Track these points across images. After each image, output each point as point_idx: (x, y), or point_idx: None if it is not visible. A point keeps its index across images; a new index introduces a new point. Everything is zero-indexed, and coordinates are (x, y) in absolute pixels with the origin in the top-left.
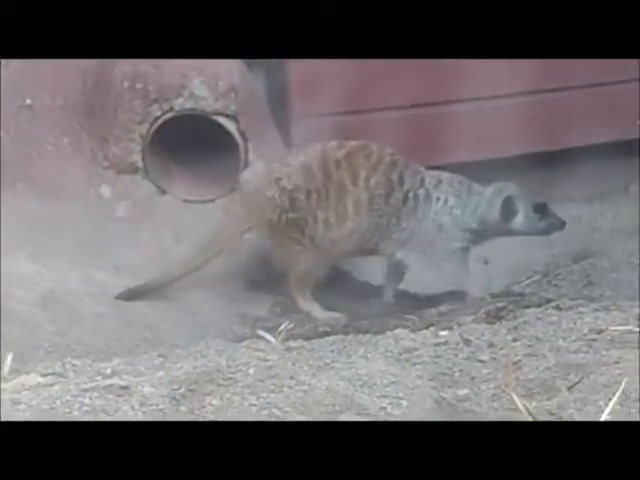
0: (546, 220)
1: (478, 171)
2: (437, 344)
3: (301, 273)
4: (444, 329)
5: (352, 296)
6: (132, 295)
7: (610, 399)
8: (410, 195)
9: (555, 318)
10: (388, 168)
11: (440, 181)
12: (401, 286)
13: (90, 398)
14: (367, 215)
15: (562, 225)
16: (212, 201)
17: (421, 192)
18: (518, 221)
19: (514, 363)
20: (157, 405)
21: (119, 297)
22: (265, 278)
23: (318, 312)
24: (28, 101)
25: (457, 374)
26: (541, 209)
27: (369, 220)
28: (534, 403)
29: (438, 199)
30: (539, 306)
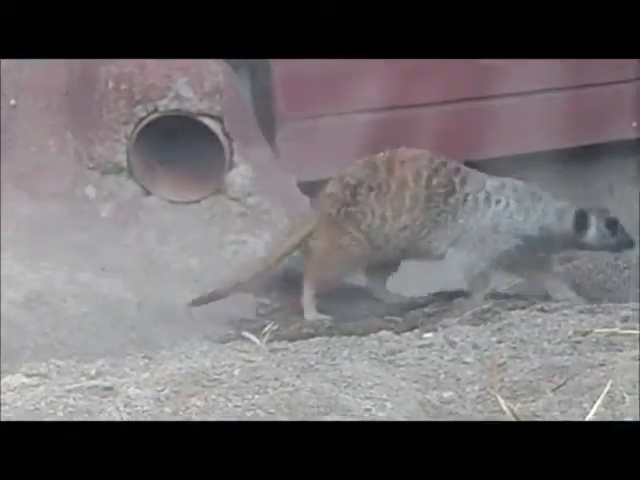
0: (617, 237)
1: None
2: (422, 346)
3: (336, 270)
4: (429, 331)
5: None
6: (204, 300)
7: (594, 401)
8: (470, 197)
9: (540, 320)
10: (451, 172)
11: (503, 185)
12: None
13: (74, 399)
14: (423, 212)
15: (631, 244)
16: (197, 202)
17: (481, 195)
18: (590, 236)
19: (499, 365)
20: (142, 406)
21: (194, 303)
22: (249, 279)
23: (310, 314)
24: (12, 101)
25: (442, 376)
26: (612, 225)
27: (425, 217)
28: (519, 405)
29: (498, 202)
30: (523, 308)
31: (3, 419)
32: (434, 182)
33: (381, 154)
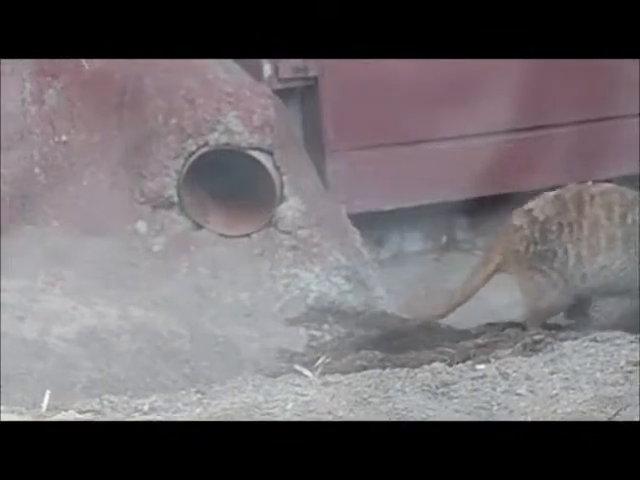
0: None
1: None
2: (474, 378)
3: (545, 306)
4: (481, 362)
5: None
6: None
7: None
8: None
9: (592, 350)
10: None
11: None
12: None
13: None
14: (621, 252)
15: None
16: (248, 236)
17: None
18: None
19: (551, 396)
20: None
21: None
22: (302, 313)
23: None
24: (64, 137)
25: (495, 408)
26: None
27: (624, 257)
28: None
29: None
30: (576, 339)
31: None
32: (629, 220)
33: (567, 187)
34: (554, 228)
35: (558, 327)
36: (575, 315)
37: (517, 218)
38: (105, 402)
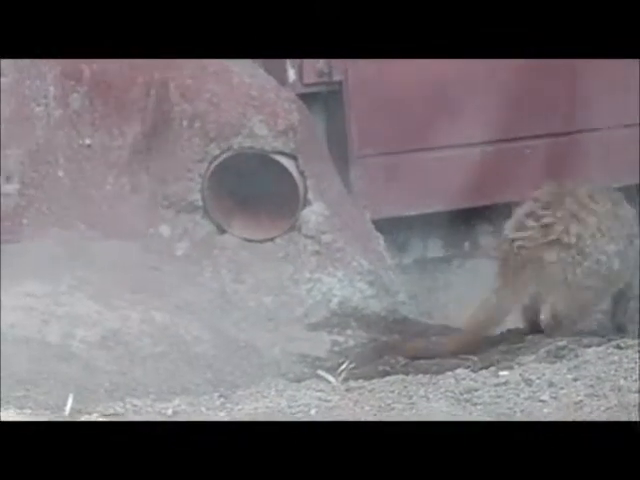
0: None
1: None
2: (498, 384)
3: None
4: (504, 369)
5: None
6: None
7: None
8: None
9: (616, 357)
10: None
11: None
12: (459, 326)
13: None
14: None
15: None
16: (271, 240)
17: None
18: None
19: (575, 403)
20: None
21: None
22: (324, 318)
23: None
24: (87, 141)
25: (518, 414)
26: None
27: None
28: None
29: None
30: (599, 345)
31: None
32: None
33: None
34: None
35: (582, 333)
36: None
37: (549, 255)
38: (128, 406)
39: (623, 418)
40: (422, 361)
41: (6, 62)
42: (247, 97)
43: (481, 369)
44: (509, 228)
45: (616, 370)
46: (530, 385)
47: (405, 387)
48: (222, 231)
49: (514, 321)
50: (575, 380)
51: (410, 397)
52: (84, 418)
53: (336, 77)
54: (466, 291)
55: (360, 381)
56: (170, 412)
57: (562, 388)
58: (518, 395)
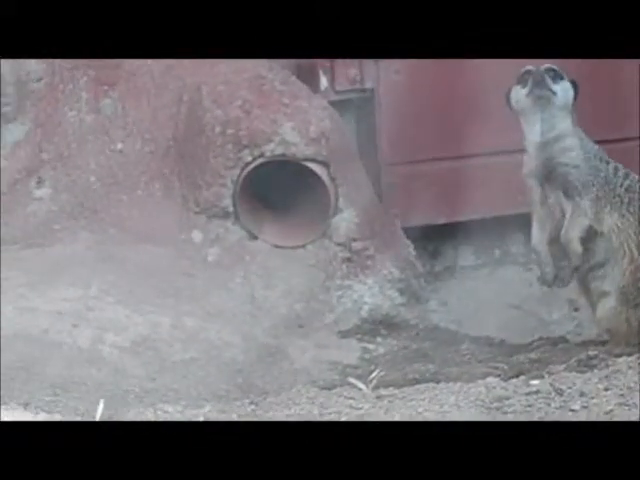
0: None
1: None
2: (528, 393)
3: None
4: (535, 378)
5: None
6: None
7: None
8: None
9: None
10: None
11: None
12: (489, 334)
13: None
14: None
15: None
16: (302, 247)
17: None
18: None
19: (606, 413)
20: None
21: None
22: (355, 325)
23: None
24: (119, 146)
25: None
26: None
27: None
28: None
29: None
30: (630, 355)
31: None
32: None
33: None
34: None
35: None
36: None
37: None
38: (159, 412)
39: None
40: (453, 369)
41: (40, 66)
42: (279, 104)
43: (511, 378)
44: None
45: None
46: (561, 394)
47: (436, 395)
48: (253, 237)
49: (544, 330)
50: (606, 390)
51: (441, 405)
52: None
53: (368, 84)
54: (497, 299)
55: (391, 389)
56: (201, 418)
57: (593, 397)
58: (549, 404)
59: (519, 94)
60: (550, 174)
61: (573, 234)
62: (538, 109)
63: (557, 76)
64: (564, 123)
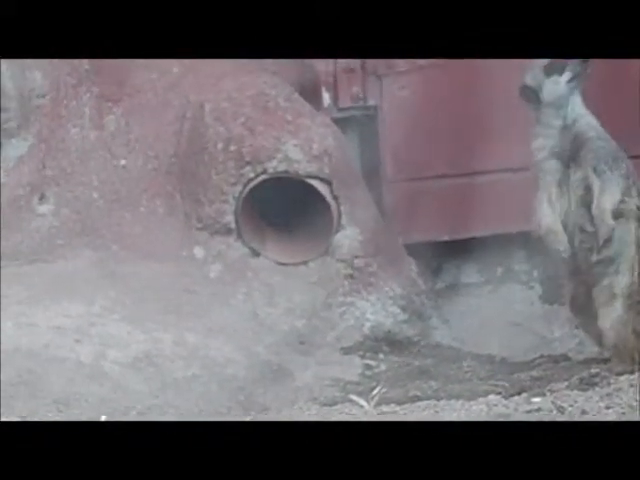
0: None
1: None
2: (530, 411)
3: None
4: (536, 395)
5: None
6: None
7: None
8: None
9: None
10: None
11: None
12: (491, 351)
13: None
14: None
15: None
16: (305, 264)
17: None
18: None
19: None
20: None
21: None
22: (357, 342)
23: None
24: (122, 162)
25: None
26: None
27: None
28: None
29: None
30: (632, 373)
31: None
32: None
33: None
34: None
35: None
36: None
37: None
38: None
39: None
40: (454, 386)
41: (44, 82)
42: (282, 121)
43: (513, 395)
44: None
45: None
46: (562, 412)
47: (437, 412)
48: (255, 254)
49: (545, 347)
50: (607, 408)
51: None
52: None
53: (371, 102)
54: (499, 317)
55: (392, 405)
56: None
57: (594, 416)
58: None
59: (557, 83)
60: (579, 151)
61: (606, 205)
62: (572, 93)
63: None
64: (580, 101)
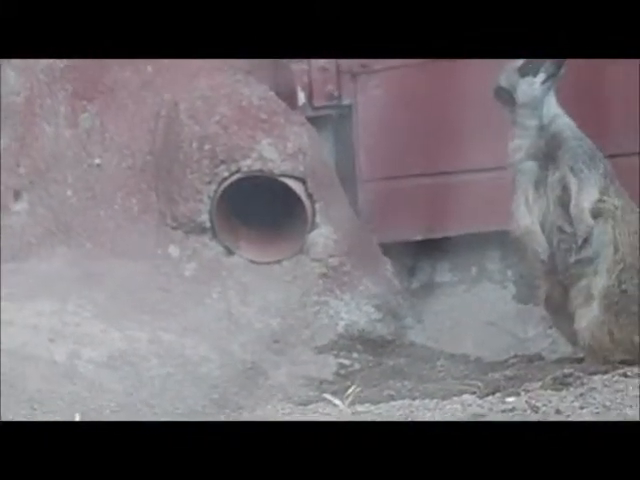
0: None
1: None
2: (504, 410)
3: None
4: (511, 395)
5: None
6: None
7: None
8: None
9: (622, 385)
10: None
11: None
12: (465, 351)
13: None
14: None
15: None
16: (279, 262)
17: None
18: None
19: None
20: None
21: None
22: (331, 341)
23: None
24: (97, 160)
25: None
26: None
27: None
28: None
29: None
30: (606, 373)
31: None
32: None
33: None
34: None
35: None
36: None
37: None
38: None
39: None
40: (429, 386)
41: (18, 80)
42: (257, 120)
43: (487, 395)
44: None
45: (622, 398)
46: (537, 412)
47: (412, 412)
48: (230, 253)
49: (519, 347)
50: (582, 408)
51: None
52: None
53: (345, 101)
54: (473, 316)
55: (367, 405)
56: None
57: (569, 416)
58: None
59: (532, 84)
60: (556, 151)
61: (584, 204)
62: (546, 94)
63: None
64: (555, 102)
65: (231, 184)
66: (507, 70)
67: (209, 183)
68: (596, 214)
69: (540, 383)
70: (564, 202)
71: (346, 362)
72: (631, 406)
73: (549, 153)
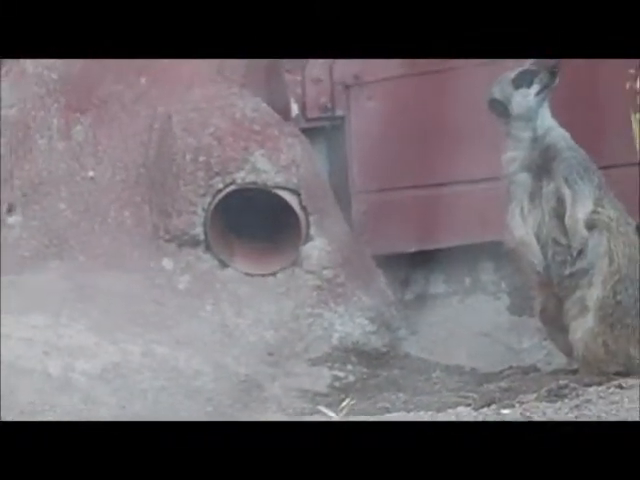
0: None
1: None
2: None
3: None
4: (506, 407)
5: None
6: None
7: None
8: None
9: (617, 397)
10: None
11: None
12: (459, 362)
13: None
14: None
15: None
16: (273, 274)
17: None
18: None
19: None
20: None
21: None
22: (325, 353)
23: None
24: (90, 173)
25: None
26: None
27: None
28: None
29: None
30: (600, 384)
31: None
32: None
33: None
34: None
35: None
36: None
37: None
38: None
39: None
40: (423, 397)
41: (10, 93)
42: (250, 132)
43: (482, 407)
44: None
45: (617, 410)
46: None
47: None
48: (224, 265)
49: (514, 359)
50: (577, 419)
51: None
52: None
53: (339, 112)
54: (467, 327)
55: (361, 417)
56: None
57: None
58: None
59: (527, 95)
60: (551, 162)
61: (579, 215)
62: (540, 105)
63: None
64: (549, 113)
65: (225, 196)
66: (501, 82)
67: (203, 195)
68: (591, 225)
69: (535, 395)
70: (559, 214)
71: (340, 374)
72: (626, 418)
73: (543, 165)
